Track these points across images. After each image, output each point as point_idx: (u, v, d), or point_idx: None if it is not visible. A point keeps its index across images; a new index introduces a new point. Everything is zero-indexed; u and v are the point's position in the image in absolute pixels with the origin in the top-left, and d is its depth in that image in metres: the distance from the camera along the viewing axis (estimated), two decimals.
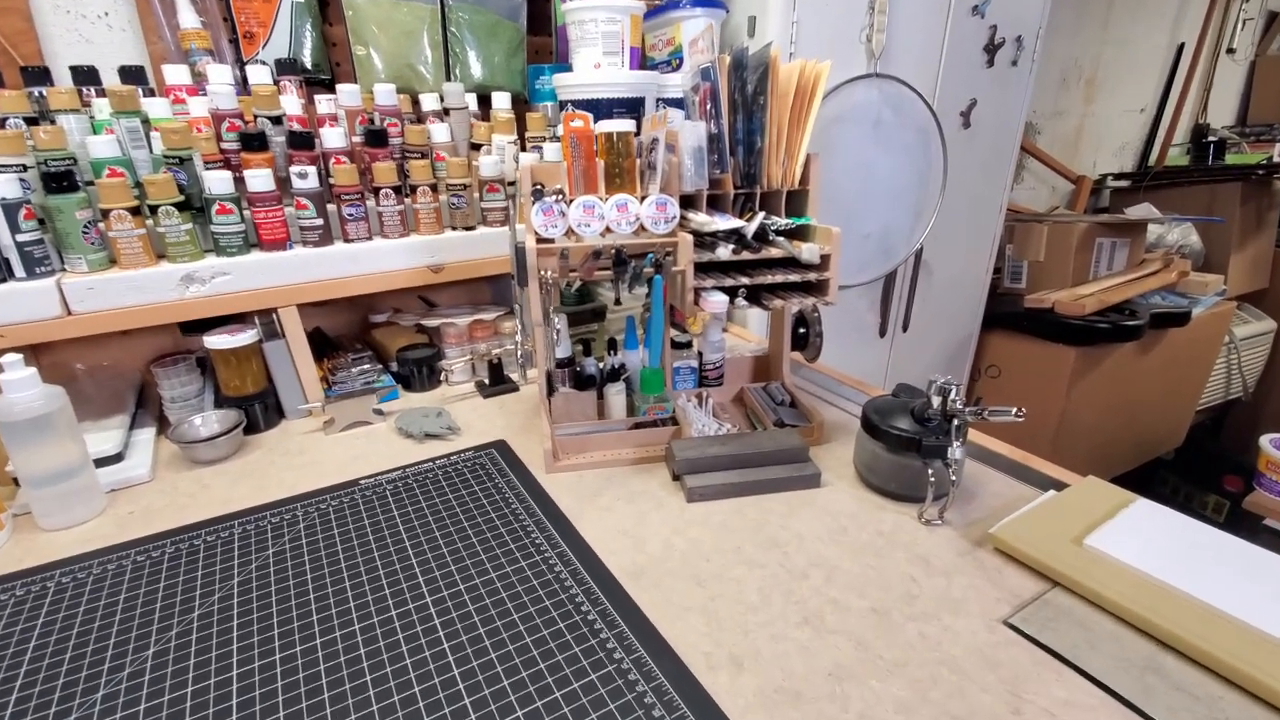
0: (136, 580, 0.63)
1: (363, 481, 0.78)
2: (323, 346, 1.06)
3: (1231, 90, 2.76)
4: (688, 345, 0.92)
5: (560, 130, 0.79)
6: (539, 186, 0.72)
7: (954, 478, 0.65)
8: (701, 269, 0.77)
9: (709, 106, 0.74)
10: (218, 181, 0.81)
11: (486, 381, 1.03)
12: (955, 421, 0.62)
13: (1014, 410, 0.58)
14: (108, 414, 0.87)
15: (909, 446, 0.68)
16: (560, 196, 0.72)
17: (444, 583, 0.61)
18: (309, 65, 1.06)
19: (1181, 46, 2.46)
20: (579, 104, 1.04)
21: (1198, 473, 2.20)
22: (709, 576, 0.61)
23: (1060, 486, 0.73)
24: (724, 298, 0.72)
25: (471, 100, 1.06)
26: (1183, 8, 2.40)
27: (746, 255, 0.74)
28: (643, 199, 0.75)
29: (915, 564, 0.62)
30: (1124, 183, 2.48)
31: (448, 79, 1.10)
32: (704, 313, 0.75)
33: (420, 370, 1.01)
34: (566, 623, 0.56)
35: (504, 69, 1.14)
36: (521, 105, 1.20)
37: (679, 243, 0.74)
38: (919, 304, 1.54)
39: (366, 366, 1.01)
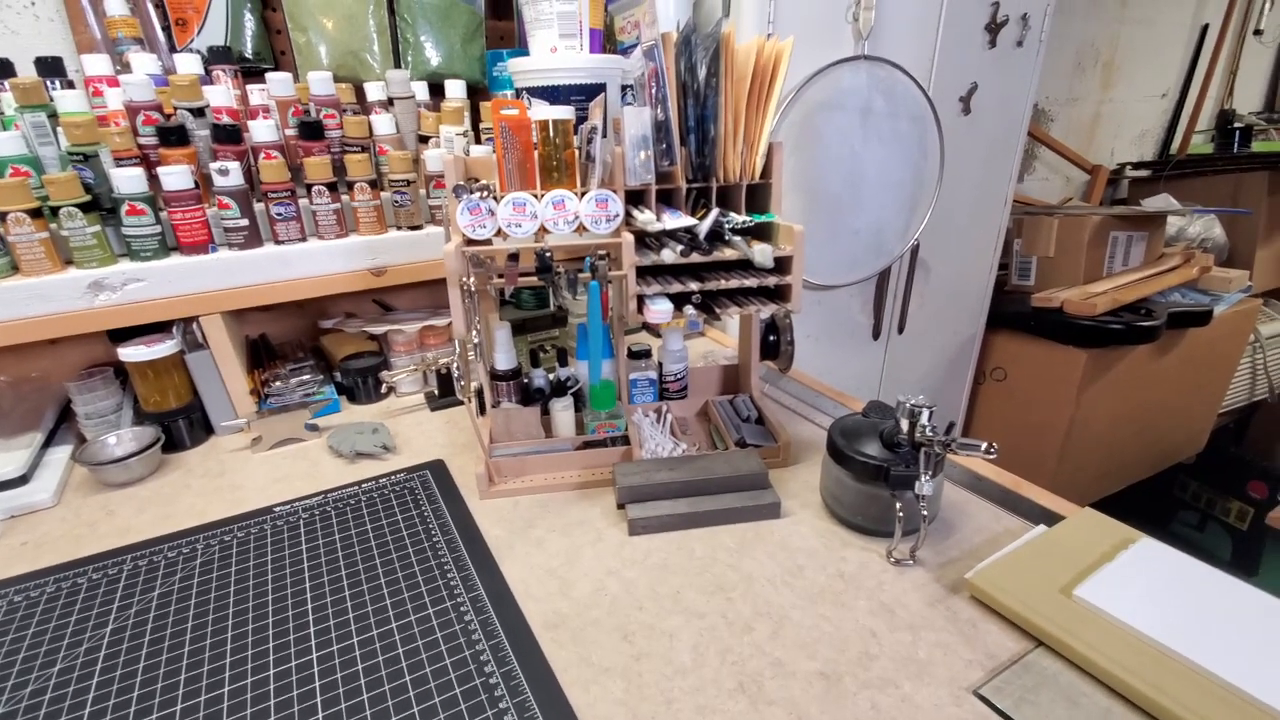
0: (6, 626, 0.57)
1: (277, 509, 0.71)
2: (266, 355, 1.00)
3: (1259, 74, 2.61)
4: (646, 354, 0.84)
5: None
6: (465, 183, 0.65)
7: (925, 513, 0.56)
8: (646, 273, 0.68)
9: (654, 90, 0.66)
10: (126, 180, 0.75)
11: (436, 393, 0.96)
12: (924, 451, 0.53)
13: (983, 445, 0.49)
14: (20, 431, 0.81)
15: (876, 475, 0.59)
16: (487, 193, 0.65)
17: (337, 634, 0.54)
18: (248, 54, 0.99)
19: (1206, 28, 2.32)
20: (535, 91, 0.96)
21: (1220, 478, 2.08)
22: (638, 629, 0.53)
23: (1053, 519, 0.64)
24: (669, 306, 0.64)
25: (421, 89, 0.99)
26: None
27: (697, 258, 0.66)
28: (582, 195, 0.67)
29: (878, 615, 0.54)
30: (1143, 172, 2.35)
31: (397, 66, 1.03)
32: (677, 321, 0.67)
33: (364, 381, 0.94)
34: (464, 687, 0.48)
35: (460, 55, 1.07)
36: (480, 94, 1.12)
37: (621, 244, 0.66)
38: (916, 304, 1.45)
39: (306, 377, 0.94)
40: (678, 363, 0.84)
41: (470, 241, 0.68)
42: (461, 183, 0.64)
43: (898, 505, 0.58)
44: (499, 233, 0.67)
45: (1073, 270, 1.69)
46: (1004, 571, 0.55)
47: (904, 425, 0.57)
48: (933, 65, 1.23)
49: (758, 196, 0.75)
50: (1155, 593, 0.51)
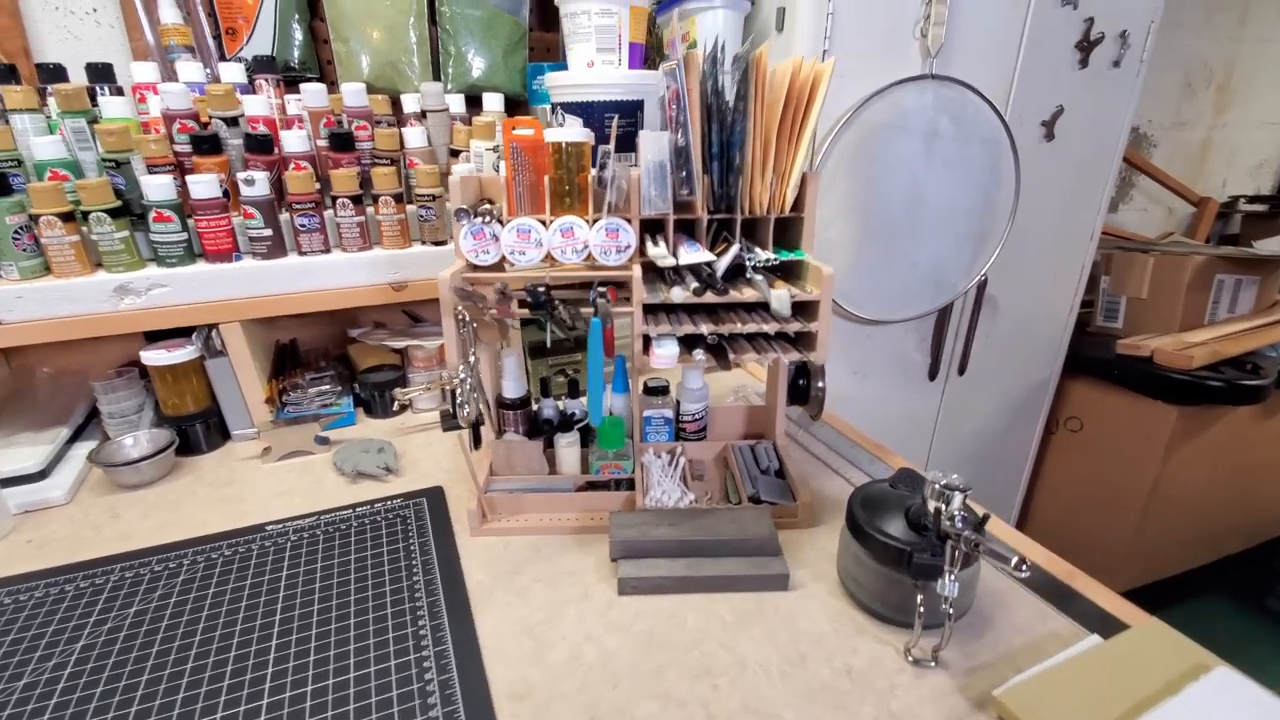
0: None
1: (270, 527, 0.70)
2: (292, 362, 1.00)
3: None
4: (664, 391, 0.79)
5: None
6: (469, 206, 0.61)
7: (950, 610, 0.48)
8: (657, 311, 0.63)
9: (675, 113, 0.60)
10: (155, 187, 0.75)
11: (451, 413, 0.93)
12: (950, 545, 0.46)
13: (1014, 560, 0.41)
14: (50, 424, 0.84)
15: (898, 560, 0.52)
16: (490, 217, 0.61)
17: (293, 678, 0.51)
18: (294, 63, 0.99)
19: None
20: (569, 107, 0.92)
21: None
22: (608, 712, 0.48)
23: (1112, 625, 0.55)
24: (675, 350, 0.59)
25: (458, 102, 0.97)
26: None
27: (711, 297, 0.60)
28: (592, 223, 0.62)
29: None
30: (1259, 207, 2.11)
31: (436, 78, 1.01)
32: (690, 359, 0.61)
33: (380, 395, 0.93)
34: None
35: (502, 68, 1.05)
36: (520, 108, 1.10)
37: (631, 278, 0.61)
38: (980, 343, 1.33)
39: (325, 387, 0.93)
40: (696, 402, 0.78)
41: (474, 267, 0.65)
42: (464, 206, 0.60)
43: (919, 597, 0.50)
44: (504, 260, 0.63)
45: (1168, 315, 1.52)
46: (1043, 692, 0.46)
47: (930, 508, 0.49)
48: (1011, 86, 1.12)
49: (789, 231, 0.68)
50: None
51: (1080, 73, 1.17)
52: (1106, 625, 0.55)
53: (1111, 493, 1.52)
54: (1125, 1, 1.15)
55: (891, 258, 1.13)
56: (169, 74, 0.91)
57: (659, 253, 0.60)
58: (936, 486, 0.49)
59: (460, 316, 0.59)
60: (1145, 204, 2.06)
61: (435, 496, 0.75)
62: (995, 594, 0.59)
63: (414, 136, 0.91)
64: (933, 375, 1.32)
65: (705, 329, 0.59)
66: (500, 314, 0.58)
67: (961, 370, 1.34)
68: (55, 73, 0.84)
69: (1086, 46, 1.15)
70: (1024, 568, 0.41)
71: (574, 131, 0.63)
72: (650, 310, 0.62)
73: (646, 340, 0.61)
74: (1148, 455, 1.43)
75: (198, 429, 0.84)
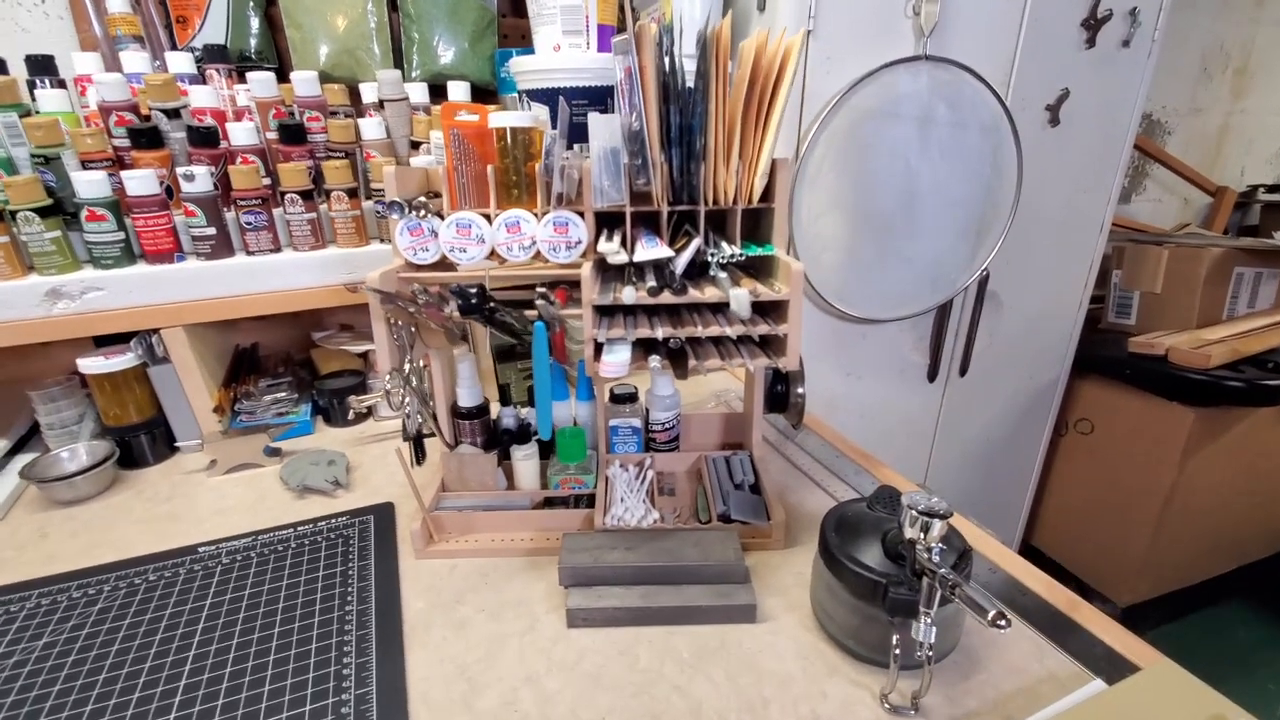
0: None
1: (202, 549, 0.65)
2: (250, 367, 0.95)
3: None
4: (632, 399, 0.73)
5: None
6: (404, 199, 0.56)
7: (929, 653, 0.42)
8: (612, 313, 0.57)
9: (628, 93, 0.55)
10: (87, 184, 0.71)
11: None
12: (927, 581, 0.40)
13: (992, 613, 0.35)
14: None
15: (872, 593, 0.46)
16: (426, 211, 0.55)
17: (200, 710, 0.46)
18: (250, 52, 0.94)
19: None
20: (536, 94, 0.87)
21: None
22: None
23: (1118, 665, 0.49)
24: (626, 356, 0.53)
25: (420, 90, 0.91)
26: None
27: (668, 297, 0.54)
28: (540, 216, 0.57)
29: None
30: (1279, 196, 2.02)
31: (399, 66, 0.96)
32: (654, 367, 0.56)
33: (338, 403, 0.88)
34: None
35: (470, 55, 0.99)
36: (489, 97, 1.05)
37: (582, 277, 0.55)
38: (983, 342, 1.26)
39: (281, 394, 0.88)
40: (667, 410, 0.73)
41: (414, 266, 0.59)
42: (398, 199, 0.55)
43: (894, 636, 0.44)
44: (443, 259, 0.58)
45: (1184, 311, 1.44)
46: None
47: (907, 535, 0.43)
48: (1013, 68, 1.05)
49: (761, 224, 0.62)
50: None
51: (1087, 53, 1.10)
52: (1112, 665, 0.49)
53: (1125, 498, 1.45)
54: None
55: (885, 252, 1.07)
56: (115, 65, 0.87)
57: (610, 248, 0.54)
58: (914, 513, 0.43)
59: (393, 320, 0.54)
60: (1160, 194, 1.98)
61: (384, 514, 0.69)
62: (986, 628, 0.53)
63: (370, 128, 0.86)
64: (932, 376, 1.25)
65: (661, 332, 0.53)
66: (433, 318, 0.52)
67: (963, 371, 1.27)
68: None
69: (1094, 25, 1.08)
70: (1002, 622, 0.35)
71: (521, 116, 0.57)
72: (604, 312, 0.57)
73: (598, 346, 0.55)
74: (1163, 459, 1.35)
75: (142, 440, 0.79)
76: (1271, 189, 2.03)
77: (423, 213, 0.54)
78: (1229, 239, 1.58)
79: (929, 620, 0.39)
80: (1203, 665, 0.46)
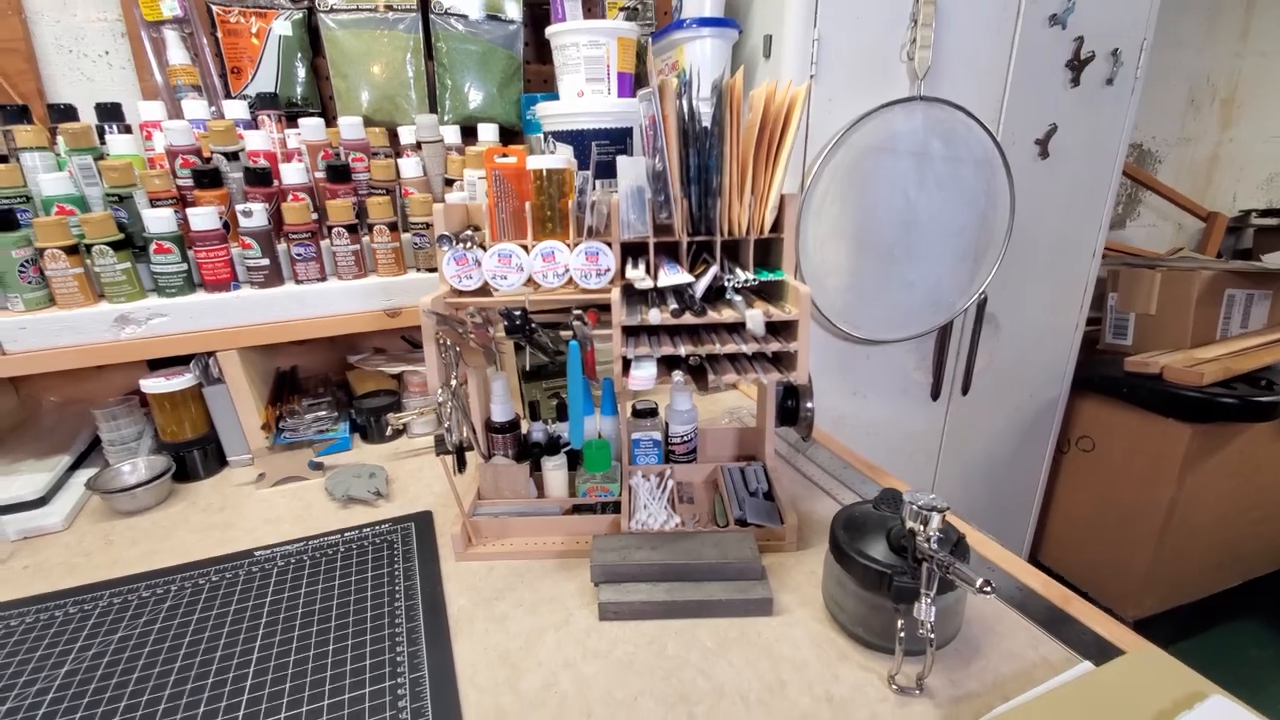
0: None
1: (258, 553, 0.70)
2: (291, 388, 1.01)
3: None
4: (652, 413, 0.79)
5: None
6: (451, 232, 0.62)
7: (931, 635, 0.47)
8: (637, 333, 0.63)
9: (652, 138, 0.61)
10: (155, 220, 0.78)
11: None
12: (926, 567, 0.45)
13: (979, 581, 0.40)
14: (53, 452, 0.86)
15: (879, 583, 0.51)
16: (472, 243, 0.62)
17: (268, 705, 0.51)
18: (298, 99, 1.03)
19: None
20: (560, 135, 0.94)
21: None
22: None
23: (1108, 652, 0.53)
24: (652, 371, 0.59)
25: (454, 133, 0.99)
26: None
27: (689, 318, 0.60)
28: (573, 247, 0.63)
29: None
30: (1271, 220, 2.07)
31: (433, 111, 1.04)
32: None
33: (375, 420, 0.93)
34: None
35: (498, 99, 1.07)
36: (514, 138, 1.12)
37: (611, 300, 0.61)
38: (983, 362, 1.31)
39: (322, 413, 0.94)
40: (685, 424, 0.78)
41: (458, 292, 0.65)
42: (446, 232, 0.61)
43: (899, 622, 0.49)
44: (485, 286, 0.64)
45: (1178, 331, 1.49)
46: None
47: (909, 528, 0.48)
48: (1002, 106, 1.12)
49: (771, 252, 0.68)
50: None
51: (1072, 91, 1.17)
52: (1101, 651, 0.53)
53: (1127, 514, 1.48)
54: (1114, 21, 1.15)
55: (887, 278, 1.13)
56: (177, 112, 0.95)
57: (637, 275, 0.61)
58: (915, 507, 0.48)
59: (441, 341, 0.60)
60: (1154, 220, 2.04)
61: (423, 521, 0.75)
62: (985, 620, 0.58)
63: (409, 167, 0.93)
64: (935, 395, 1.30)
65: (684, 350, 0.59)
66: (479, 339, 0.58)
67: (965, 389, 1.32)
68: (65, 112, 0.88)
69: (1077, 65, 1.15)
70: (988, 589, 0.40)
71: (555, 159, 0.64)
72: (631, 332, 0.63)
73: (626, 363, 0.61)
74: (1162, 475, 1.39)
75: (195, 455, 0.85)
76: (1264, 213, 2.10)
77: (469, 244, 0.61)
78: (1220, 262, 1.64)
79: (929, 600, 0.44)
80: (1216, 682, 0.47)
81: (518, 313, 0.57)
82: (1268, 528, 1.57)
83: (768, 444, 0.77)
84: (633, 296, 0.67)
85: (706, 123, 0.60)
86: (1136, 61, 1.20)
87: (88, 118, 0.91)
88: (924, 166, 1.07)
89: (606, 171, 0.68)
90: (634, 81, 0.95)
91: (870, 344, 1.19)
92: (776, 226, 0.66)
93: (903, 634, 0.49)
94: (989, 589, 0.40)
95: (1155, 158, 1.96)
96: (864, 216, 1.08)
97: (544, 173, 0.64)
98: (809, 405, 0.76)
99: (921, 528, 0.47)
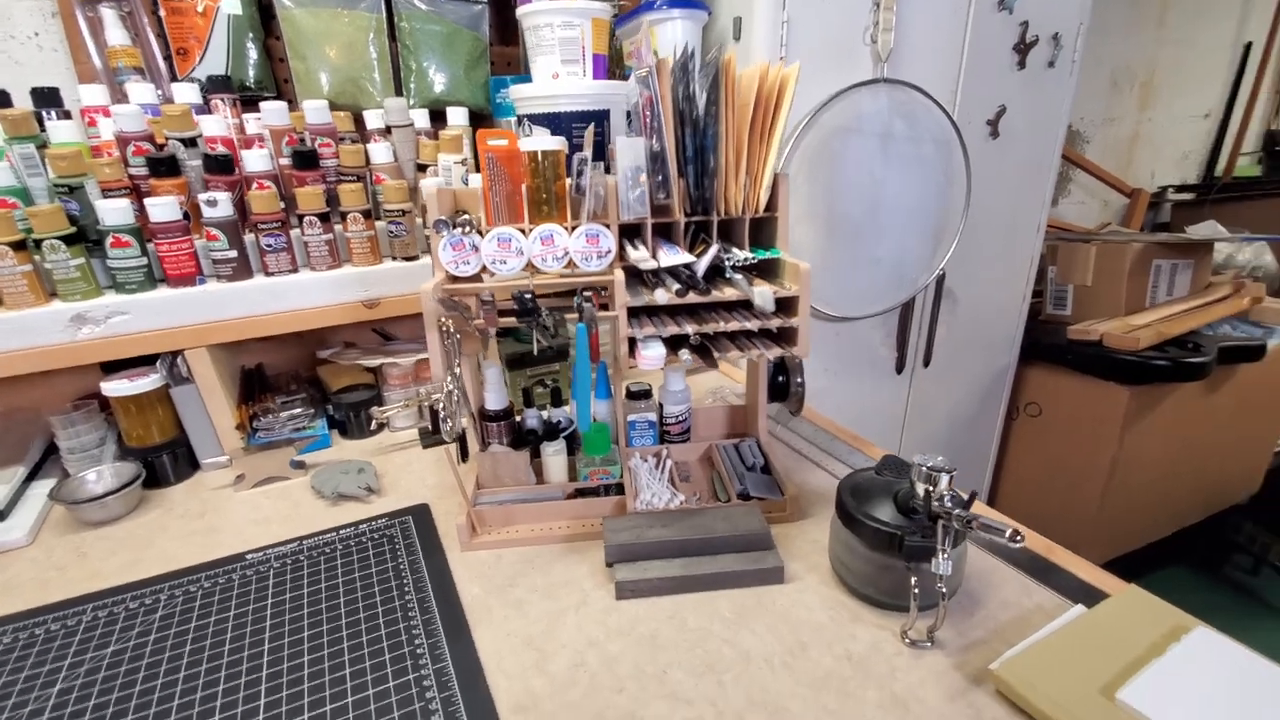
0: None
1: (249, 556, 0.67)
2: (259, 387, 0.97)
3: None
4: (646, 395, 0.79)
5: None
6: (448, 217, 0.61)
7: (943, 589, 0.50)
8: (640, 314, 0.64)
9: (649, 119, 0.61)
10: (111, 212, 0.73)
11: (430, 429, 0.92)
12: (941, 524, 0.47)
13: (1008, 531, 0.43)
14: (4, 464, 0.80)
15: (889, 544, 0.53)
16: (470, 228, 0.61)
17: (288, 707, 0.49)
18: (250, 83, 0.97)
19: (1249, 46, 2.21)
20: (536, 118, 0.93)
21: (1276, 520, 1.94)
22: (617, 718, 0.48)
23: (1093, 595, 0.57)
24: (661, 351, 0.59)
25: (423, 116, 0.96)
26: (1248, 4, 2.16)
27: (694, 297, 0.61)
28: (572, 229, 0.63)
29: (889, 711, 0.47)
30: (1187, 195, 2.24)
31: (398, 94, 1.01)
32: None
33: (355, 416, 0.91)
34: None
35: (464, 82, 1.04)
36: (485, 121, 1.10)
37: (612, 282, 0.61)
38: (942, 335, 1.37)
39: (297, 411, 0.91)
40: (679, 404, 0.79)
41: (454, 279, 0.64)
42: (443, 217, 0.60)
43: (913, 579, 0.52)
44: (484, 270, 0.63)
45: (1113, 301, 1.60)
46: (1035, 663, 0.48)
47: (919, 490, 0.51)
48: (958, 88, 1.17)
49: (764, 231, 0.70)
50: (1213, 699, 0.44)
51: (1019, 73, 1.23)
52: (1088, 595, 0.57)
53: (1073, 473, 1.58)
54: (1055, 6, 1.21)
55: (855, 256, 1.17)
56: (119, 96, 0.88)
57: (640, 256, 0.61)
58: (924, 469, 0.51)
59: (444, 328, 0.59)
60: (1083, 197, 2.17)
61: (421, 514, 0.73)
62: (980, 573, 0.61)
63: (379, 152, 0.90)
64: (900, 369, 1.35)
65: (690, 329, 0.60)
66: (487, 323, 0.57)
67: (926, 362, 1.38)
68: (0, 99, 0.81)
69: (1023, 49, 1.21)
70: (1018, 538, 0.42)
71: (549, 140, 0.63)
72: (634, 313, 0.63)
73: (632, 343, 0.61)
74: (1104, 434, 1.49)
75: (165, 460, 0.81)
76: (1180, 189, 2.26)
77: (467, 229, 0.60)
78: (1146, 235, 1.76)
79: (946, 555, 0.47)
80: None
81: (528, 294, 0.56)
82: (1196, 480, 1.71)
83: (761, 419, 0.79)
84: (629, 279, 0.67)
85: (699, 102, 0.60)
86: (1074, 45, 1.27)
87: (20, 104, 0.84)
88: (888, 146, 1.11)
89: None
90: (609, 63, 0.95)
91: (840, 321, 1.23)
92: (770, 206, 0.67)
93: (917, 590, 0.51)
94: (1019, 539, 0.42)
95: (1084, 138, 2.08)
96: (833, 196, 1.11)
97: (539, 155, 0.63)
98: (799, 380, 0.78)
99: (933, 487, 0.50)
